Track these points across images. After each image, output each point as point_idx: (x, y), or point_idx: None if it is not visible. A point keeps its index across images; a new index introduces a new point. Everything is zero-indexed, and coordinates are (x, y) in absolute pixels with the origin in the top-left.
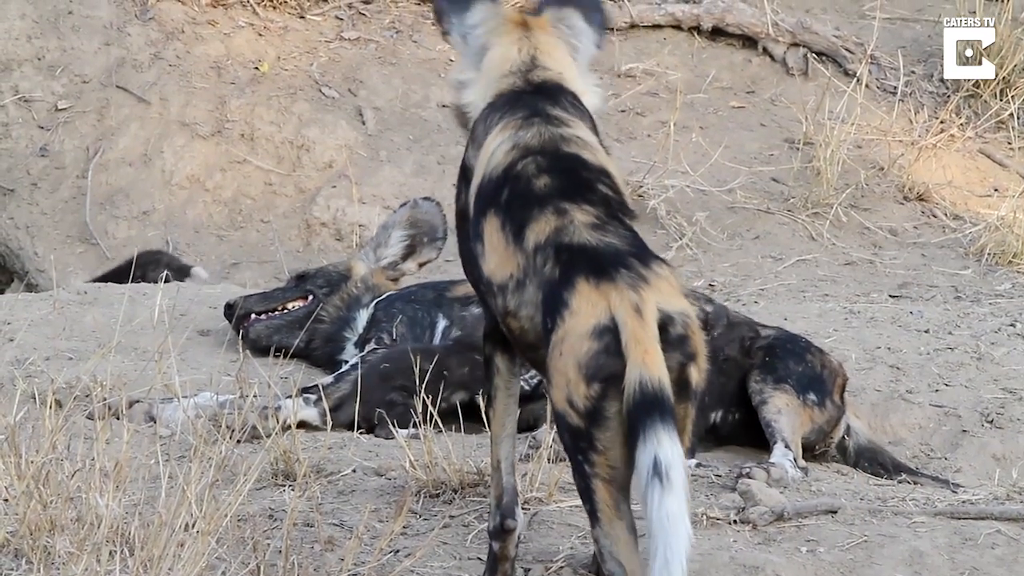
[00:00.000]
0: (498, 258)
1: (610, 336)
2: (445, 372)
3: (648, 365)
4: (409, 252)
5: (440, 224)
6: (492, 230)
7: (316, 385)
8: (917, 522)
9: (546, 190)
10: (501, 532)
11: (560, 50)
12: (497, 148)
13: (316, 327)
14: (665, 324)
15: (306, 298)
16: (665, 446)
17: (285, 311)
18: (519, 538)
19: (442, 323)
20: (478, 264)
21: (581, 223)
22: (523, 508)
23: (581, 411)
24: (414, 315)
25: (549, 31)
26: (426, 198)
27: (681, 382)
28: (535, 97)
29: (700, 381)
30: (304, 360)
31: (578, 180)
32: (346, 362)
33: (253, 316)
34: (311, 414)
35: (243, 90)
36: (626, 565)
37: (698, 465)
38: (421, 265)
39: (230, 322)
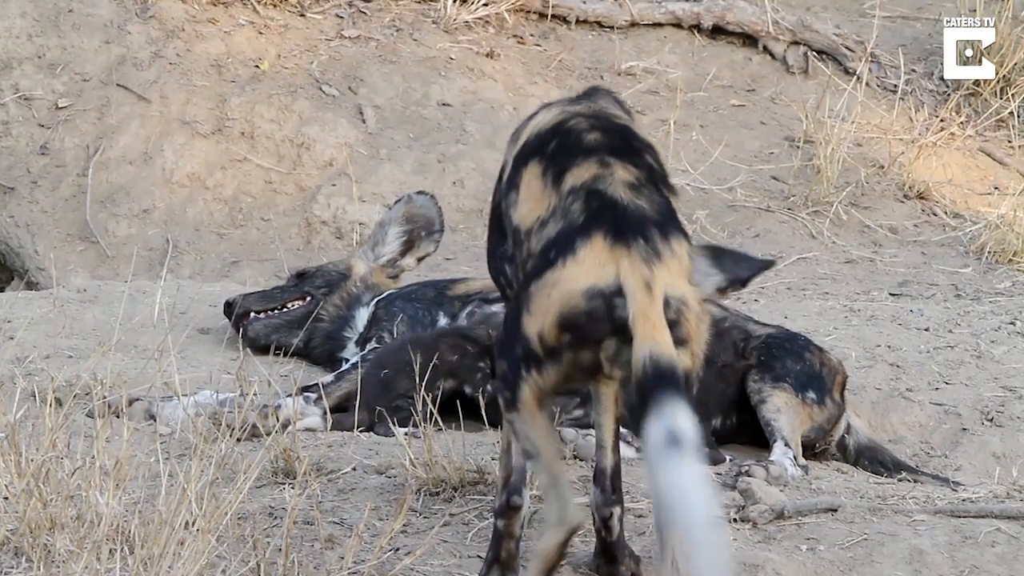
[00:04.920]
0: (532, 203)
1: (600, 301)
2: (436, 360)
3: (660, 342)
4: (407, 247)
5: (436, 217)
6: (532, 177)
7: (316, 384)
8: (917, 520)
9: (595, 144)
10: (507, 510)
11: None
12: (543, 120)
13: (316, 326)
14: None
15: (304, 298)
16: (680, 419)
17: (284, 310)
18: (524, 519)
19: (443, 321)
20: (509, 216)
21: (620, 178)
22: None
23: (546, 346)
24: (415, 314)
25: None
26: (420, 192)
27: None
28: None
29: (690, 365)
30: (304, 359)
31: (628, 143)
32: (347, 360)
33: (252, 314)
34: (315, 422)
35: (243, 88)
36: (539, 442)
37: (731, 460)
38: (420, 259)
39: (229, 320)
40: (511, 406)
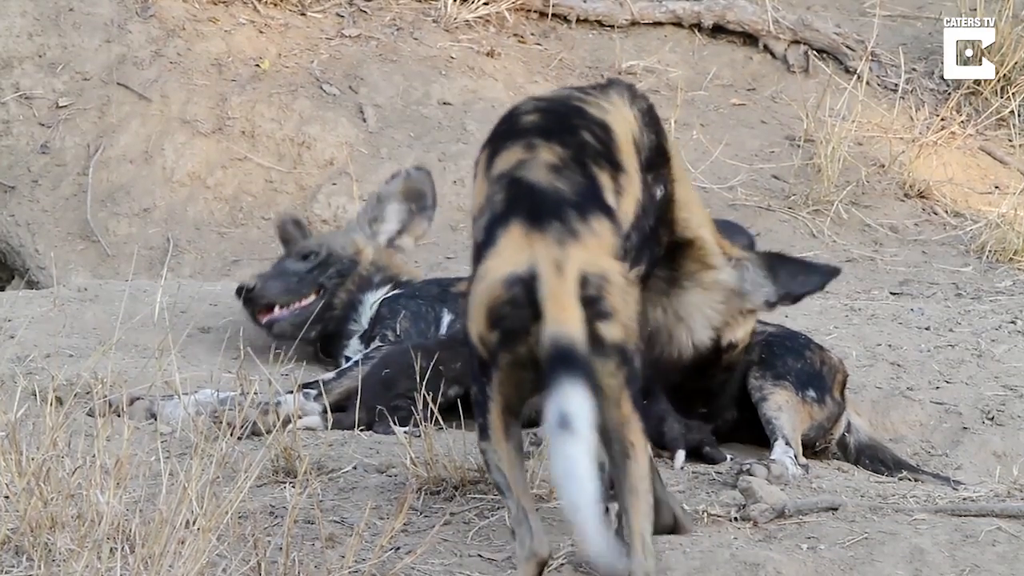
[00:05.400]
0: (477, 190)
1: (520, 288)
2: (440, 367)
3: (563, 322)
4: (404, 225)
5: (430, 192)
6: (481, 164)
7: (317, 381)
8: (918, 519)
9: (528, 126)
10: None
11: None
12: None
13: (330, 315)
14: (580, 284)
15: (319, 291)
16: (571, 399)
17: (304, 306)
18: None
19: (447, 317)
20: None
21: (542, 161)
22: None
23: (488, 348)
24: (418, 310)
25: None
26: (417, 167)
27: (592, 339)
28: None
29: (620, 337)
30: (314, 344)
31: (563, 123)
32: (348, 359)
33: (277, 310)
34: (315, 421)
35: (244, 87)
36: (508, 475)
37: (732, 458)
38: (417, 239)
39: (244, 305)
40: (484, 434)
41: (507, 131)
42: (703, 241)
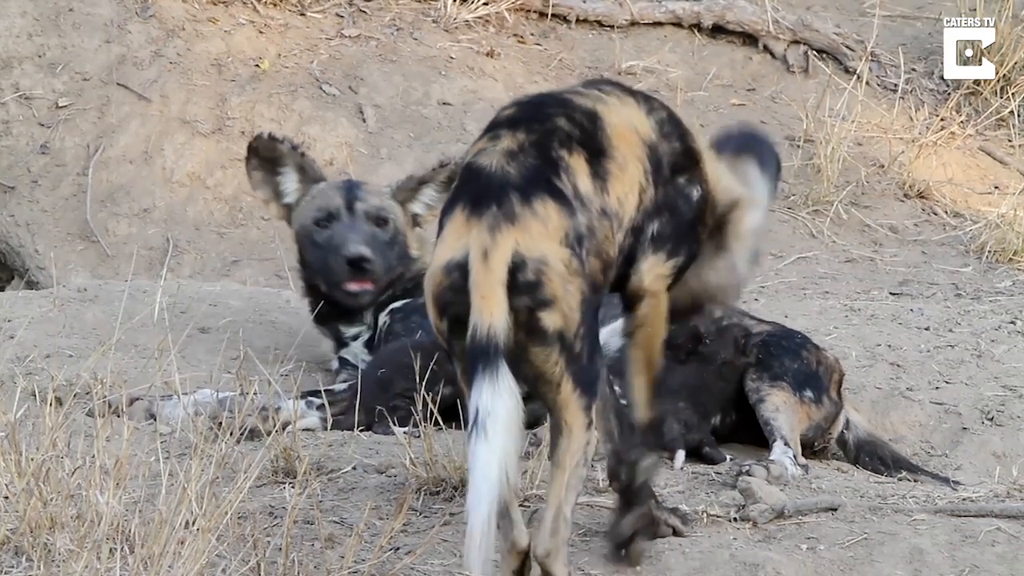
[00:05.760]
0: None
1: (458, 273)
2: (436, 367)
3: (481, 312)
4: (431, 207)
5: None
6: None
7: (320, 390)
8: (917, 519)
9: (500, 119)
10: None
11: None
12: None
13: None
14: (515, 269)
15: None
16: (484, 396)
17: (383, 284)
18: None
19: None
20: None
21: (501, 149)
22: (522, 505)
23: (444, 338)
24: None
25: None
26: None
27: (531, 327)
28: None
29: (561, 325)
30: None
31: (536, 112)
32: (345, 359)
33: (370, 283)
34: (314, 422)
35: (244, 87)
36: None
37: (732, 459)
38: (435, 215)
39: (352, 270)
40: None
41: (485, 127)
42: (740, 195)
